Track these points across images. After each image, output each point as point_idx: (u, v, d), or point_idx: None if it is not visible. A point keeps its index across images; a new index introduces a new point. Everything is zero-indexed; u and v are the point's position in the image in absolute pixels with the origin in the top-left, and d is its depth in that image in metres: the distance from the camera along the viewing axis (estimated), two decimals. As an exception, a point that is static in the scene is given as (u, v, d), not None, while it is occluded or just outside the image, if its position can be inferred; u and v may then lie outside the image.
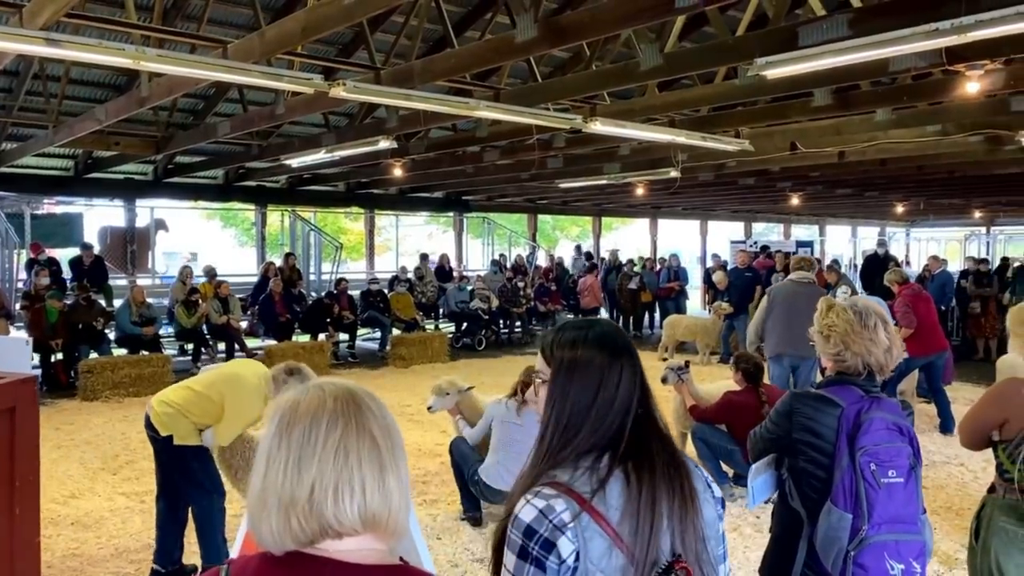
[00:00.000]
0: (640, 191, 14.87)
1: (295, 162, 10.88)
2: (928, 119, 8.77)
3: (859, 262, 24.10)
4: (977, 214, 23.81)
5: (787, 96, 8.17)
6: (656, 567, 1.42)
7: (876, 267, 14.99)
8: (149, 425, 4.33)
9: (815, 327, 2.60)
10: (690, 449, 6.46)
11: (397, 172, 11.81)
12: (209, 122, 10.53)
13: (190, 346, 12.13)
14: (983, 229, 25.44)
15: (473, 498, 5.39)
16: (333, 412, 1.17)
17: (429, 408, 5.63)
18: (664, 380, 6.20)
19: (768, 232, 31.90)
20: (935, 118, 8.74)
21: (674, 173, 12.25)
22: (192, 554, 4.59)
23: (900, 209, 20.38)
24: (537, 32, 5.40)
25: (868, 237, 28.75)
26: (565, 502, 1.40)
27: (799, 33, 5.37)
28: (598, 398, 1.50)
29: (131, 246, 14.23)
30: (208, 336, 11.98)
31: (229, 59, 5.87)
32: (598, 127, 7.82)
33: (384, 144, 8.98)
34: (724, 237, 28.24)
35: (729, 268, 14.59)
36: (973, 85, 5.98)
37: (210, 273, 12.95)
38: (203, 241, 31.04)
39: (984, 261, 13.88)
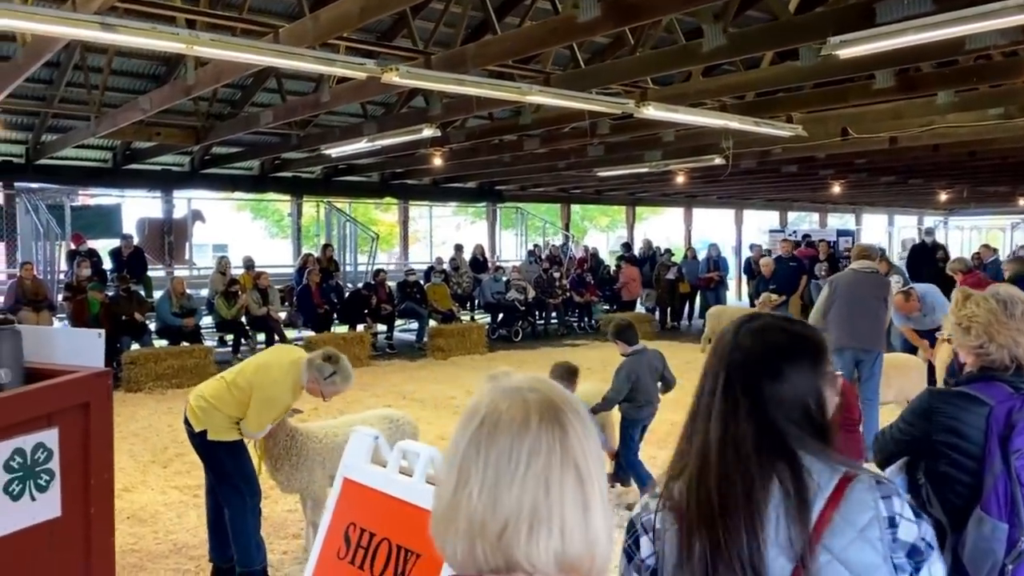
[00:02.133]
0: (680, 179, 14.60)
1: (335, 151, 10.77)
2: (993, 102, 8.45)
3: (897, 250, 23.62)
4: (1021, 202, 23.18)
5: (844, 79, 7.91)
6: None
7: (923, 256, 14.65)
8: (187, 420, 4.20)
9: (951, 319, 2.40)
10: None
11: (437, 161, 11.66)
12: (250, 111, 10.43)
13: (230, 337, 12.10)
14: (1028, 217, 24.80)
15: None
16: (537, 433, 0.99)
17: None
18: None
19: (800, 222, 31.41)
20: (1000, 100, 8.42)
21: (719, 160, 12.00)
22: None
23: (944, 197, 19.88)
24: (600, 11, 5.19)
25: (907, 226, 28.18)
26: (658, 505, 1.42)
27: (876, 9, 5.13)
28: (703, 400, 1.45)
29: (168, 237, 14.24)
30: (248, 327, 11.93)
31: (281, 44, 5.72)
32: (651, 112, 7.61)
33: (428, 132, 8.83)
34: (754, 226, 27.84)
35: (773, 257, 14.29)
36: (1058, 63, 5.68)
37: (248, 264, 12.91)
38: (233, 233, 31.23)
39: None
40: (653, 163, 12.51)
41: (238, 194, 16.15)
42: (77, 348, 3.02)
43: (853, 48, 5.21)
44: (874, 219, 30.07)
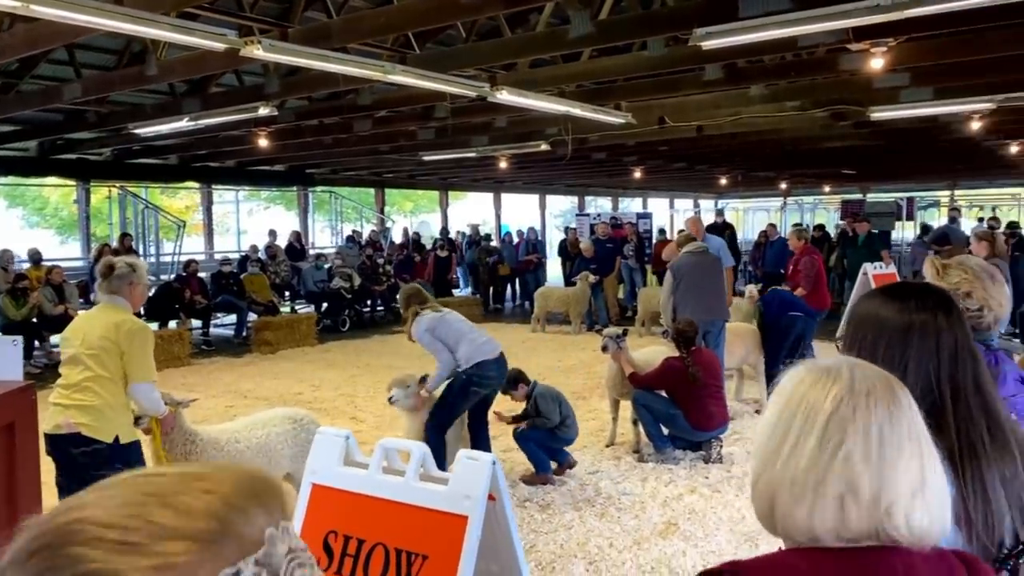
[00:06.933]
0: (503, 164, 14.83)
1: (147, 131, 9.75)
2: (793, 95, 9.38)
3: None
4: (782, 185, 26.10)
5: (680, 71, 8.44)
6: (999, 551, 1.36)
7: (717, 233, 16.05)
8: (76, 441, 3.64)
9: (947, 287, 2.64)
10: (625, 415, 6.58)
11: (263, 142, 10.92)
12: (47, 85, 9.12)
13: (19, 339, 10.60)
14: (799, 199, 28.04)
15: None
16: (909, 409, 1.06)
17: (391, 400, 5.25)
18: (604, 348, 6.24)
19: (589, 205, 33.21)
20: (799, 95, 9.38)
21: (544, 146, 12.35)
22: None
23: (723, 181, 21.88)
24: (486, -9, 5.13)
25: (686, 209, 30.76)
26: None
27: (740, 4, 5.51)
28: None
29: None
30: (43, 329, 10.54)
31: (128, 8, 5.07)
32: (504, 96, 7.65)
33: (264, 111, 8.26)
34: (547, 211, 29.02)
35: (590, 239, 14.98)
36: (877, 61, 6.43)
37: (35, 257, 11.39)
38: (-18, 223, 27.36)
39: (820, 227, 15.21)
40: (481, 148, 12.61)
41: (12, 179, 14.13)
42: (-17, 360, 2.51)
43: (718, 40, 5.55)
44: (658, 202, 32.49)
